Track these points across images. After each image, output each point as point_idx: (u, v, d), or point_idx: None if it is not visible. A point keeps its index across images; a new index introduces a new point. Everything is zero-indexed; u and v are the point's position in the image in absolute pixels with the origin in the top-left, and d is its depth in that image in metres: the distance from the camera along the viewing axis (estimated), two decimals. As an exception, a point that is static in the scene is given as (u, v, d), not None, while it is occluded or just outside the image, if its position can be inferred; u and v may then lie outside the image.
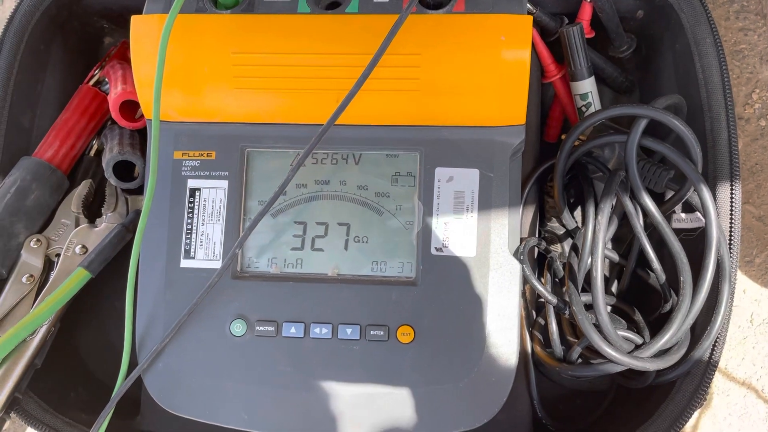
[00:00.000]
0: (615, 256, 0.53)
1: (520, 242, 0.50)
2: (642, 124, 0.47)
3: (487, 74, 0.45)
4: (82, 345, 0.61)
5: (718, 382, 0.61)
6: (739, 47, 0.64)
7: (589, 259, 0.47)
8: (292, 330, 0.47)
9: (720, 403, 0.61)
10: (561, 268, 0.52)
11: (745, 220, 0.62)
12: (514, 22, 0.44)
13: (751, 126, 0.63)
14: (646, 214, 0.48)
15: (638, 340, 0.47)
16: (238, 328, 0.47)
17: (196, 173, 0.48)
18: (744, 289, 0.62)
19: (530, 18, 0.45)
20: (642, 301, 0.54)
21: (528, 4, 0.54)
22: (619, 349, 0.45)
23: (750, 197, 0.62)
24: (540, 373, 0.56)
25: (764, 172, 0.62)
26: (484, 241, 0.47)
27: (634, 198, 0.48)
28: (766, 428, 0.60)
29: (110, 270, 0.58)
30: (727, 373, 0.61)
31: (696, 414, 0.61)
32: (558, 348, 0.50)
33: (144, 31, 0.46)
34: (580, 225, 0.52)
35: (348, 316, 0.47)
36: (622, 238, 0.56)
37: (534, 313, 0.54)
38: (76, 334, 0.60)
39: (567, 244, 0.53)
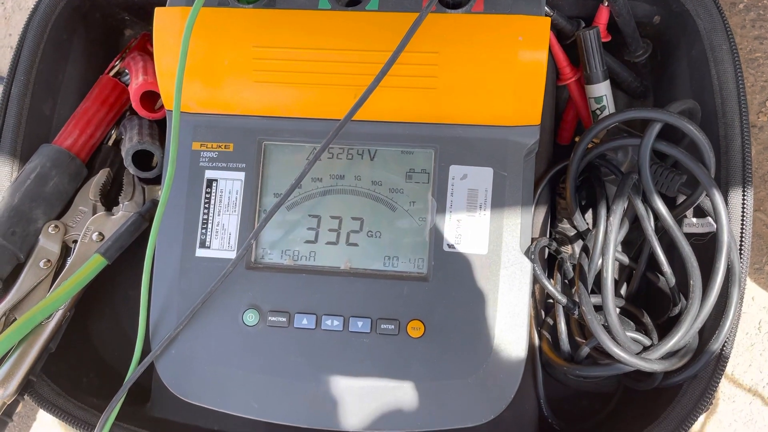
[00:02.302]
0: (625, 259, 0.54)
1: (531, 242, 0.50)
2: (656, 128, 0.47)
3: (504, 74, 0.45)
4: (96, 332, 0.62)
5: (724, 388, 0.61)
6: (755, 55, 0.64)
7: (600, 261, 0.47)
8: (304, 321, 0.47)
9: (726, 409, 0.61)
10: (571, 268, 0.52)
11: (755, 227, 0.62)
12: (532, 24, 0.45)
13: (764, 134, 0.63)
14: (657, 217, 0.48)
15: (647, 341, 0.47)
16: (250, 317, 0.48)
17: (214, 164, 0.49)
18: (753, 297, 0.62)
19: (548, 20, 0.45)
20: (651, 304, 0.54)
21: (546, 7, 0.54)
22: (628, 350, 0.46)
23: (761, 205, 0.62)
24: (547, 373, 0.57)
25: (776, 181, 0.62)
26: (496, 240, 0.47)
27: (646, 201, 0.48)
28: (771, 436, 0.60)
29: (125, 259, 0.58)
30: (733, 379, 0.61)
31: (701, 419, 0.61)
32: (566, 347, 0.50)
33: (167, 23, 0.47)
34: (591, 227, 0.52)
35: (359, 309, 0.47)
36: (633, 241, 0.56)
37: (543, 312, 0.54)
38: (90, 321, 0.61)
39: (578, 246, 0.54)
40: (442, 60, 0.45)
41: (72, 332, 0.58)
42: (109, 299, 0.62)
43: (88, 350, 0.61)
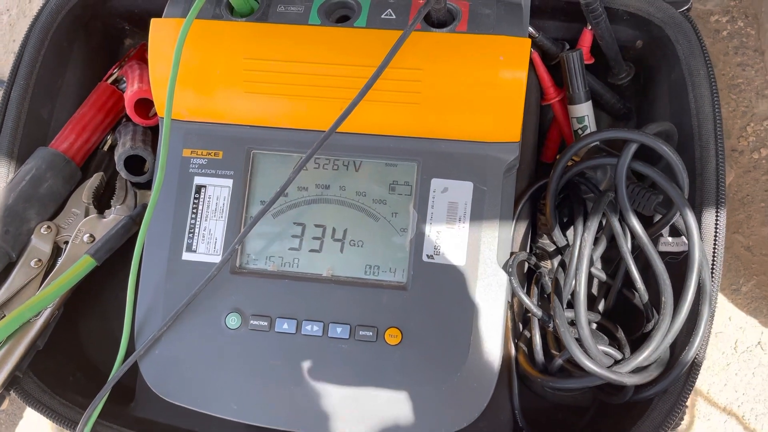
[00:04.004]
0: (602, 275, 0.55)
1: (510, 256, 0.52)
2: (632, 148, 0.49)
3: (485, 92, 0.47)
4: (84, 332, 0.63)
5: (700, 406, 0.62)
6: (736, 81, 0.66)
7: (574, 275, 0.49)
8: (285, 326, 0.48)
9: (701, 427, 0.62)
10: (549, 283, 0.53)
11: (734, 249, 0.64)
12: (513, 44, 0.46)
13: (744, 158, 0.65)
14: (634, 235, 0.49)
15: (618, 355, 0.48)
16: (233, 321, 0.49)
17: (203, 171, 0.51)
18: (729, 317, 0.63)
19: (528, 41, 0.47)
20: (628, 320, 0.56)
21: (531, 29, 0.56)
22: (599, 363, 0.47)
23: (740, 227, 0.64)
24: (524, 386, 0.58)
25: (755, 204, 0.64)
26: (474, 252, 0.48)
27: (623, 219, 0.50)
28: (745, 454, 0.61)
29: (116, 261, 0.60)
30: (709, 398, 0.62)
31: (677, 436, 0.62)
32: (540, 359, 0.51)
33: (162, 34, 0.49)
34: (570, 243, 0.54)
35: (339, 315, 0.48)
36: (612, 259, 0.57)
37: (521, 325, 0.55)
38: (79, 322, 0.62)
39: (557, 261, 0.55)
40: (426, 76, 0.47)
41: (61, 331, 0.59)
42: (98, 300, 0.63)
43: (76, 350, 0.62)
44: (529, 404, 0.58)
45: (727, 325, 0.63)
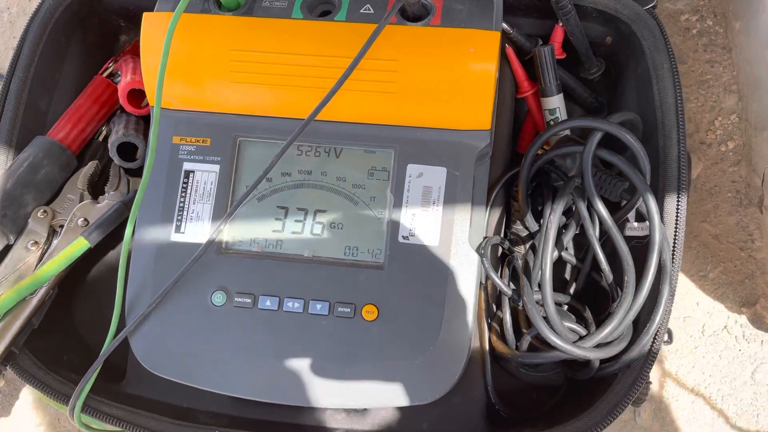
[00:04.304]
0: (573, 260, 0.58)
1: (484, 239, 0.54)
2: (597, 136, 0.52)
3: (457, 82, 0.50)
4: (78, 316, 0.65)
5: (669, 388, 0.65)
6: (705, 77, 0.69)
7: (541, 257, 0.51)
8: (268, 303, 0.51)
9: (669, 407, 0.64)
10: (520, 265, 0.56)
11: (702, 237, 0.67)
12: (483, 37, 0.49)
13: (712, 150, 0.68)
14: (600, 220, 0.52)
15: (582, 331, 0.51)
16: (218, 298, 0.51)
17: (192, 157, 0.54)
18: (697, 302, 0.66)
19: (498, 34, 0.50)
20: (597, 302, 0.58)
21: (506, 25, 0.59)
22: (564, 338, 0.49)
23: (708, 216, 0.67)
24: (500, 367, 0.60)
25: (722, 194, 0.67)
26: (447, 233, 0.51)
27: (590, 205, 0.52)
28: (711, 433, 0.64)
29: (109, 247, 0.63)
30: (677, 379, 0.65)
31: (647, 417, 0.65)
32: (510, 336, 0.54)
33: (153, 27, 0.52)
34: (542, 228, 0.56)
35: (319, 293, 0.51)
36: (584, 244, 0.60)
37: (494, 306, 0.58)
38: (74, 305, 0.65)
39: (529, 245, 0.58)
40: (401, 67, 0.50)
41: (56, 314, 0.62)
42: (92, 285, 0.65)
43: (71, 331, 0.64)
44: (505, 385, 0.60)
45: (695, 310, 0.65)
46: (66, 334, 0.63)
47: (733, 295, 0.65)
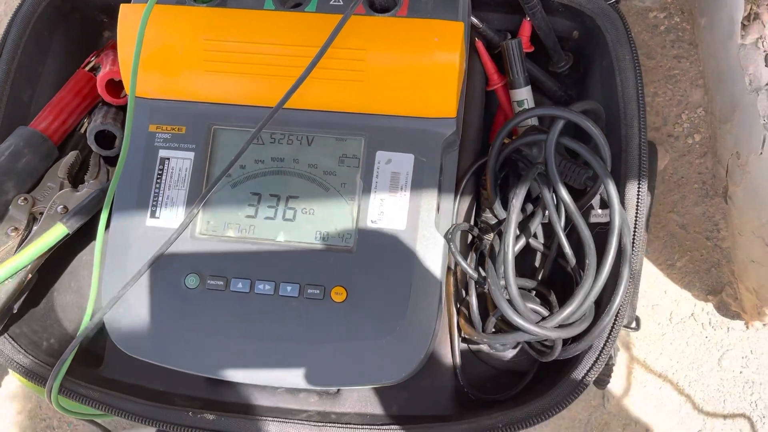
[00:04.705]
0: (540, 246, 0.59)
1: (452, 226, 0.56)
2: (559, 124, 0.53)
3: (422, 71, 0.51)
4: (59, 306, 0.66)
5: (637, 374, 0.66)
6: (673, 72, 0.71)
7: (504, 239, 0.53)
8: (239, 285, 0.53)
9: (637, 393, 0.66)
10: (486, 249, 0.58)
11: (669, 227, 0.68)
12: (447, 27, 0.51)
13: (679, 143, 0.69)
14: (564, 205, 0.54)
15: (545, 312, 0.53)
16: (192, 281, 0.53)
17: (167, 145, 0.55)
18: (665, 290, 0.67)
19: (461, 24, 0.52)
20: (565, 288, 0.60)
21: (475, 20, 0.61)
22: (527, 319, 0.51)
23: (675, 207, 0.68)
24: (472, 354, 0.62)
25: (689, 185, 0.68)
26: (414, 218, 0.53)
27: (555, 192, 0.54)
28: (678, 418, 0.65)
29: (89, 237, 0.64)
30: (646, 365, 0.66)
31: (615, 402, 0.66)
32: (477, 319, 0.55)
33: (130, 18, 0.53)
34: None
35: (290, 276, 0.53)
36: (552, 233, 0.62)
37: (463, 291, 0.59)
38: (54, 293, 0.66)
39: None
40: (369, 56, 0.52)
41: (36, 300, 0.63)
42: (74, 275, 0.67)
43: (51, 320, 0.65)
44: (475, 371, 0.62)
45: (663, 298, 0.67)
46: (47, 324, 0.64)
47: (700, 283, 0.67)
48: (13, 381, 0.71)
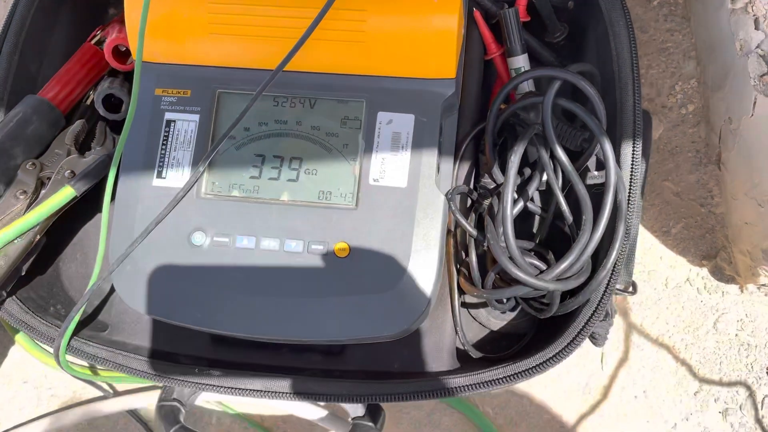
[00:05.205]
0: (538, 209, 0.61)
1: (452, 188, 0.57)
2: (556, 85, 0.55)
3: (422, 32, 0.53)
4: (65, 275, 0.68)
5: (634, 338, 0.67)
6: (666, 45, 0.72)
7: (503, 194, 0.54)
8: (245, 242, 0.54)
9: (635, 356, 0.67)
10: (485, 209, 0.59)
11: (664, 195, 0.70)
12: (446, -11, 0.53)
13: (673, 113, 0.71)
14: (561, 165, 0.55)
15: (543, 266, 0.54)
16: (198, 238, 0.54)
17: (173, 108, 0.56)
18: (660, 256, 0.69)
19: (460, -15, 0.53)
20: (562, 250, 0.61)
21: (474, -10, 0.63)
22: (526, 272, 0.52)
23: (669, 175, 0.70)
24: (472, 318, 0.63)
25: (683, 154, 0.70)
26: (414, 176, 0.54)
27: (552, 154, 0.55)
28: (675, 381, 0.66)
29: (95, 208, 0.65)
30: (642, 330, 0.67)
31: (613, 366, 0.67)
32: (477, 276, 0.57)
33: (137, -17, 0.55)
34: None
35: (294, 233, 0.54)
36: (549, 199, 0.63)
37: (463, 253, 0.61)
38: (61, 264, 0.67)
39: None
40: (369, 17, 0.53)
41: (43, 269, 0.64)
42: (80, 245, 0.68)
43: (57, 287, 0.66)
44: (476, 335, 0.63)
45: (659, 264, 0.68)
46: (52, 288, 0.65)
47: (695, 249, 0.68)
48: (19, 351, 0.71)
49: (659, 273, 0.68)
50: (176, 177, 0.55)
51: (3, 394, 0.71)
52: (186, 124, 0.56)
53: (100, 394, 0.68)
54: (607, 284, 0.54)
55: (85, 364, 0.68)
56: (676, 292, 0.67)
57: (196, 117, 0.56)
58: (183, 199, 0.54)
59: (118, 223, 0.56)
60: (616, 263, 0.54)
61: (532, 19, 0.66)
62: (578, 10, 0.64)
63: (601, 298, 0.54)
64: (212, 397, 0.67)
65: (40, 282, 0.65)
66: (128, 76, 0.65)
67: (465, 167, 0.61)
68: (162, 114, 0.56)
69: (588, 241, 0.53)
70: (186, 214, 0.55)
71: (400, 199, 0.54)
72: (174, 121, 0.56)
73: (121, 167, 0.56)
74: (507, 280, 0.55)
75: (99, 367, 0.61)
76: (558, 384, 0.67)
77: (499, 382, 0.54)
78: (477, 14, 0.64)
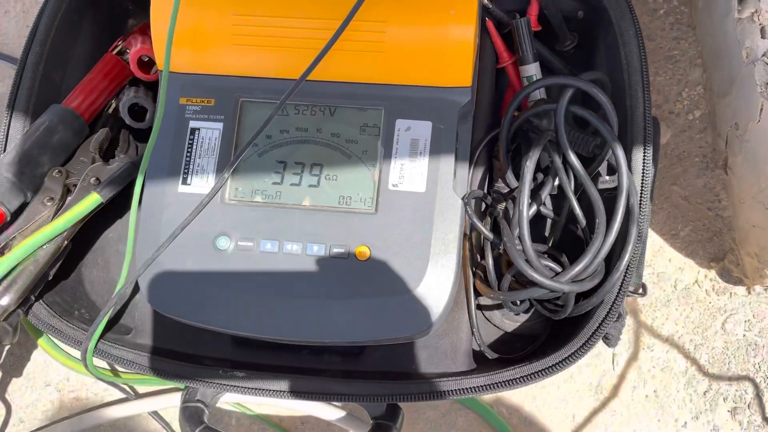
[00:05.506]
0: (550, 213, 0.62)
1: (468, 192, 0.59)
2: (569, 93, 0.57)
3: (439, 42, 0.55)
4: (87, 278, 0.69)
5: (644, 339, 0.69)
6: (672, 53, 0.74)
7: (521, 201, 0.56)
8: (268, 246, 0.55)
9: (645, 357, 0.68)
10: (500, 213, 0.60)
11: (672, 199, 0.71)
12: (462, 0, 0.54)
13: (680, 119, 0.73)
14: (573, 170, 0.57)
15: (558, 268, 0.55)
16: (222, 242, 0.56)
17: (197, 116, 0.58)
18: (670, 259, 0.70)
19: (476, -3, 0.55)
20: (575, 253, 0.63)
21: (486, 0, 0.64)
22: (543, 274, 0.54)
23: (677, 180, 0.71)
24: (486, 320, 0.65)
25: (690, 158, 0.72)
26: (432, 181, 0.56)
27: (565, 159, 0.57)
28: (685, 380, 0.68)
29: (115, 215, 0.67)
30: (652, 330, 0.69)
31: (624, 366, 0.69)
32: (493, 278, 0.58)
33: (163, -4, 0.57)
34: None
35: (316, 237, 0.55)
36: (562, 205, 0.65)
37: (478, 256, 0.62)
38: (83, 269, 0.69)
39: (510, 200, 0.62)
40: (388, 29, 0.55)
41: (67, 274, 0.66)
42: (101, 251, 0.70)
43: (80, 292, 0.68)
44: (491, 336, 0.65)
45: (668, 266, 0.70)
46: (76, 293, 0.67)
47: (703, 251, 0.70)
48: (41, 354, 0.73)
49: (668, 275, 0.70)
50: (201, 183, 0.57)
51: (26, 396, 0.72)
52: (210, 132, 0.58)
53: (121, 396, 0.70)
54: (621, 286, 0.55)
55: (107, 366, 0.70)
56: (685, 293, 0.69)
57: (220, 125, 0.58)
58: (207, 204, 0.56)
59: (144, 228, 0.57)
60: (629, 265, 0.55)
61: (543, 27, 0.67)
62: (588, 19, 0.66)
63: (615, 299, 0.55)
64: (235, 398, 0.68)
65: (64, 286, 0.66)
66: (150, 85, 0.67)
67: (479, 172, 0.63)
68: (186, 122, 0.58)
69: (602, 244, 0.54)
70: (211, 220, 0.56)
71: (419, 203, 0.55)
72: (198, 129, 0.58)
73: (147, 174, 0.57)
74: (523, 282, 0.57)
75: (124, 369, 0.62)
76: (570, 384, 0.68)
77: (515, 383, 0.56)
78: (489, 24, 0.65)
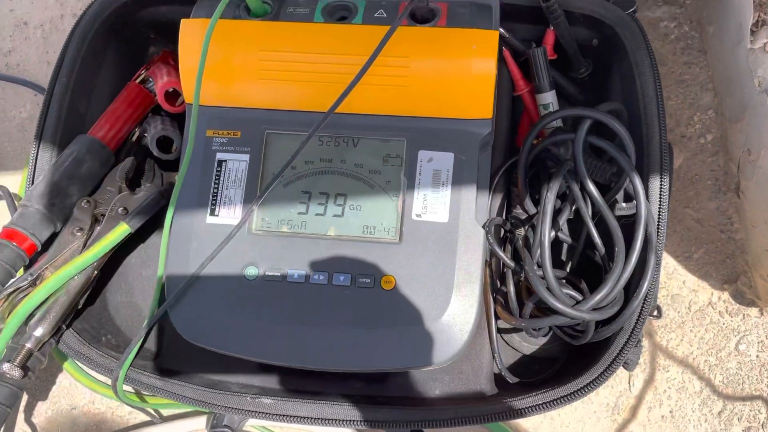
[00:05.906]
0: (568, 239, 0.64)
1: (488, 220, 0.60)
2: (587, 124, 0.58)
3: (461, 76, 0.56)
4: (111, 304, 0.70)
5: (660, 360, 0.70)
6: (683, 77, 0.76)
7: (540, 229, 0.57)
8: (296, 276, 0.57)
9: (661, 378, 0.70)
10: (520, 241, 0.62)
11: (685, 222, 0.73)
12: (483, 36, 0.56)
13: (692, 143, 0.74)
14: (591, 199, 0.58)
15: (579, 297, 0.57)
16: (251, 272, 0.57)
17: (224, 148, 0.59)
18: (683, 281, 0.72)
19: (497, 32, 0.56)
20: (593, 280, 0.64)
21: (503, 30, 0.66)
22: (563, 302, 0.55)
23: (690, 202, 0.73)
24: (504, 342, 0.66)
25: (702, 182, 0.73)
26: (455, 211, 0.57)
27: (582, 187, 0.58)
28: (700, 401, 0.69)
29: (137, 241, 0.68)
30: (667, 351, 0.70)
31: (640, 387, 0.70)
32: (514, 305, 0.60)
33: (191, 32, 0.58)
34: (539, 211, 0.62)
35: (342, 267, 0.57)
36: (580, 229, 0.66)
37: (498, 282, 0.64)
38: (107, 294, 0.70)
39: (529, 226, 0.64)
40: (412, 64, 0.56)
41: (92, 301, 0.67)
42: (124, 276, 0.71)
43: (105, 318, 0.69)
44: (510, 359, 0.66)
45: (682, 288, 0.71)
46: (101, 318, 0.68)
47: (716, 273, 0.71)
48: (67, 378, 0.74)
49: (682, 297, 0.71)
50: (228, 214, 0.58)
51: (52, 420, 0.73)
52: (237, 164, 0.59)
53: (146, 419, 0.71)
54: (640, 312, 0.57)
55: (132, 390, 0.71)
56: (699, 315, 0.70)
57: (246, 157, 0.59)
58: (236, 235, 0.57)
59: (173, 258, 0.58)
60: (648, 292, 0.57)
61: (558, 54, 0.69)
62: (602, 47, 0.68)
63: (635, 326, 0.56)
64: (260, 423, 0.70)
65: (91, 312, 0.67)
66: (174, 116, 0.68)
67: (497, 199, 0.64)
68: (214, 154, 0.59)
69: (621, 272, 0.56)
70: (239, 250, 0.58)
71: (443, 233, 0.57)
72: (225, 160, 0.59)
73: (176, 205, 0.59)
74: (544, 308, 0.58)
75: (151, 395, 0.64)
76: (588, 405, 0.70)
77: (538, 409, 0.57)
78: (506, 53, 0.67)
